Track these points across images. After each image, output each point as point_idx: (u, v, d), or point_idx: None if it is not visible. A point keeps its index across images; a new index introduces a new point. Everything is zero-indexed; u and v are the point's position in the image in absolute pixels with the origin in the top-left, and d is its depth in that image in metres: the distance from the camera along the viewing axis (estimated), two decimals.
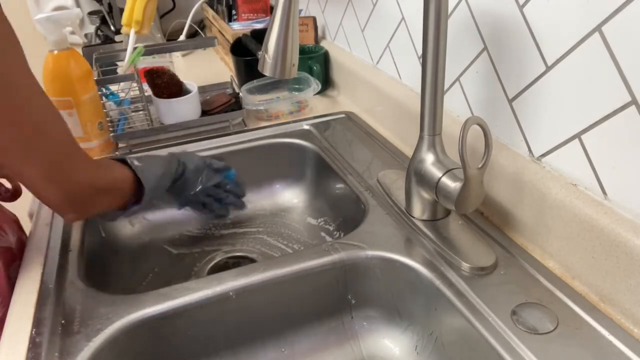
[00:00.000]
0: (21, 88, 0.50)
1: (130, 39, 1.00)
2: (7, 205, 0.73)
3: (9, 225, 0.69)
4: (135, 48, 0.96)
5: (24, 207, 0.78)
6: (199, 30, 1.61)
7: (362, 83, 0.98)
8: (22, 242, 0.70)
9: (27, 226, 0.74)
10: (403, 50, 0.84)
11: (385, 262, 0.61)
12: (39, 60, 0.87)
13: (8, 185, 0.73)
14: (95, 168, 0.60)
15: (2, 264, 0.63)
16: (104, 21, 1.53)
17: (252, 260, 0.81)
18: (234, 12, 1.43)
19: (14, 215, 0.74)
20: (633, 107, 0.46)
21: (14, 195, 0.74)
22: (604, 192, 0.52)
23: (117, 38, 1.43)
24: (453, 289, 0.55)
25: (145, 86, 0.95)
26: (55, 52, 0.82)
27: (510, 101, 0.61)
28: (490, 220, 0.66)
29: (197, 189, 0.74)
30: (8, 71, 0.49)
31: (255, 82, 1.05)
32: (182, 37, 1.51)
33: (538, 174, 0.57)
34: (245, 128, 0.97)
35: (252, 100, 1.00)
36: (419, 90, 0.60)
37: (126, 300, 0.56)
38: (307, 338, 0.64)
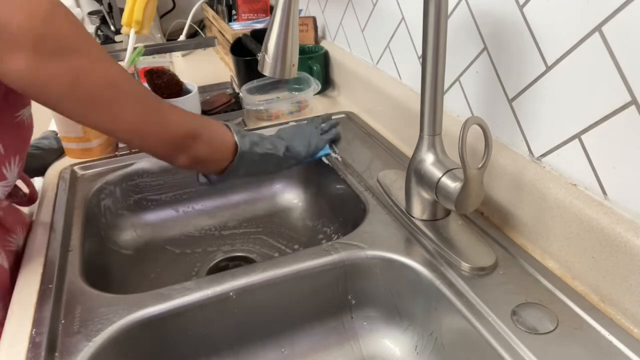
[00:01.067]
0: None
1: (130, 39, 1.00)
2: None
3: (22, 227, 0.70)
4: (135, 48, 0.96)
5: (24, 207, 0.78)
6: (199, 30, 1.61)
7: (362, 83, 0.98)
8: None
9: None
10: (403, 50, 0.84)
11: (385, 262, 0.61)
12: None
13: (25, 189, 0.73)
14: (187, 118, 0.62)
15: (8, 266, 0.63)
16: (104, 21, 1.53)
17: (252, 261, 0.81)
18: (234, 12, 1.43)
19: (28, 218, 0.74)
20: (633, 107, 0.46)
21: (30, 200, 0.73)
22: (604, 192, 0.52)
23: (117, 38, 1.43)
24: (453, 289, 0.55)
25: (145, 86, 0.95)
26: None
27: (510, 101, 0.61)
28: (490, 220, 0.66)
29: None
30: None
31: (255, 82, 1.05)
32: (182, 37, 1.51)
33: (538, 174, 0.57)
34: (245, 128, 0.97)
35: (252, 100, 1.00)
36: (419, 90, 0.60)
37: (126, 300, 0.56)
38: (307, 338, 0.64)
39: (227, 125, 0.69)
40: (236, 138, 0.67)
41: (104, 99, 0.53)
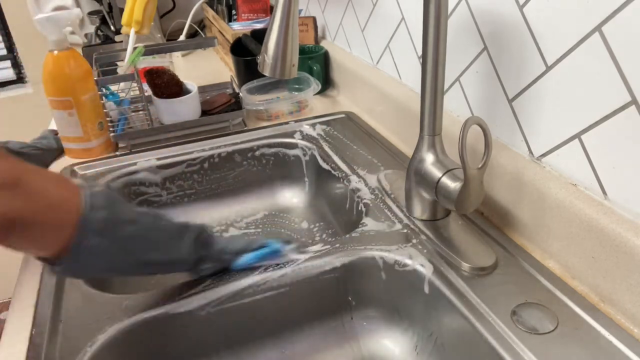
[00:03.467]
0: None
1: (130, 39, 1.00)
2: None
3: None
4: (135, 48, 0.96)
5: None
6: (199, 30, 1.61)
7: (362, 83, 0.98)
8: None
9: None
10: (403, 50, 0.84)
11: (385, 262, 0.61)
12: (39, 60, 0.87)
13: None
14: (2, 159, 0.41)
15: None
16: (104, 21, 1.53)
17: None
18: (234, 12, 1.43)
19: None
20: (633, 107, 0.46)
21: None
22: (604, 192, 0.52)
23: (117, 38, 1.43)
24: (453, 289, 0.55)
25: (145, 86, 0.95)
26: (55, 52, 0.82)
27: (510, 101, 0.61)
28: (490, 220, 0.66)
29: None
30: None
31: (255, 82, 1.05)
32: (182, 37, 1.51)
33: (538, 174, 0.57)
34: (245, 128, 0.97)
35: (252, 100, 1.00)
36: (419, 90, 0.60)
37: (126, 300, 0.56)
38: (307, 338, 0.64)
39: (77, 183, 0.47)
40: (83, 196, 0.45)
41: None
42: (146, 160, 0.86)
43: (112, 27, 1.49)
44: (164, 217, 0.53)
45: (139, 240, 0.49)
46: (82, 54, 0.96)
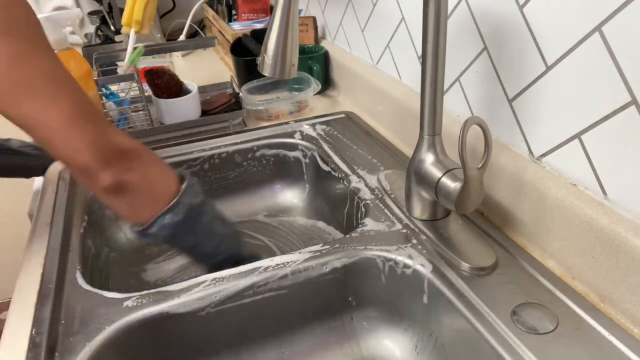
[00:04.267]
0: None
1: (130, 39, 1.00)
2: (3, 201, 0.73)
3: None
4: (135, 48, 0.96)
5: (24, 207, 0.78)
6: (199, 30, 1.61)
7: (362, 83, 0.98)
8: None
9: (27, 226, 0.74)
10: (403, 50, 0.84)
11: (385, 262, 0.61)
12: None
13: None
14: (125, 134, 0.53)
15: None
16: (104, 21, 1.53)
17: (252, 261, 0.81)
18: (234, 12, 1.43)
19: None
20: (633, 107, 0.46)
21: None
22: (604, 192, 0.52)
23: (117, 38, 1.43)
24: (453, 288, 0.55)
25: (145, 86, 0.95)
26: (55, 52, 0.82)
27: (510, 101, 0.61)
28: (490, 220, 0.66)
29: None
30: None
31: (255, 82, 1.05)
32: (182, 37, 1.51)
33: (538, 174, 0.57)
34: (245, 128, 0.97)
35: (252, 100, 1.00)
36: (419, 90, 0.60)
37: (126, 300, 0.56)
38: (307, 338, 0.64)
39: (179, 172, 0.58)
40: (180, 184, 0.57)
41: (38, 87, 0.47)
42: None
43: (112, 27, 1.49)
44: (225, 218, 0.64)
45: (204, 231, 0.60)
46: (82, 54, 0.96)
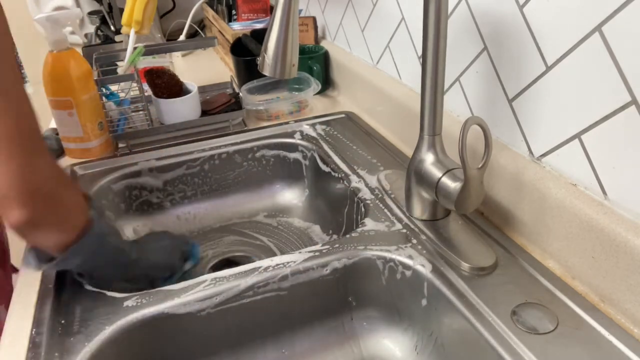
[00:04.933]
0: None
1: (130, 39, 1.00)
2: None
3: None
4: (135, 48, 0.96)
5: None
6: (199, 30, 1.61)
7: (362, 83, 0.98)
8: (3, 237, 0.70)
9: None
10: (403, 50, 0.84)
11: (385, 262, 0.61)
12: (39, 60, 0.87)
13: None
14: (58, 165, 0.53)
15: None
16: (104, 21, 1.53)
17: (252, 261, 0.81)
18: (234, 12, 1.43)
19: None
20: (633, 107, 0.46)
21: None
22: (604, 192, 0.51)
23: (117, 38, 1.43)
24: (453, 289, 0.55)
25: (145, 86, 0.95)
26: (55, 52, 0.82)
27: (510, 101, 0.61)
28: (490, 220, 0.66)
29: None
30: None
31: (255, 82, 1.05)
32: (182, 37, 1.51)
33: (538, 174, 0.57)
34: (245, 128, 0.97)
35: (252, 100, 1.00)
36: (419, 90, 0.60)
37: (126, 300, 0.56)
38: (307, 338, 0.64)
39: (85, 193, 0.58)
40: (91, 215, 0.56)
41: None
42: (146, 160, 0.86)
43: (112, 27, 1.48)
44: (124, 254, 0.62)
45: (100, 265, 0.60)
46: (82, 54, 0.96)
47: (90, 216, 0.56)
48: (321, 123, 0.96)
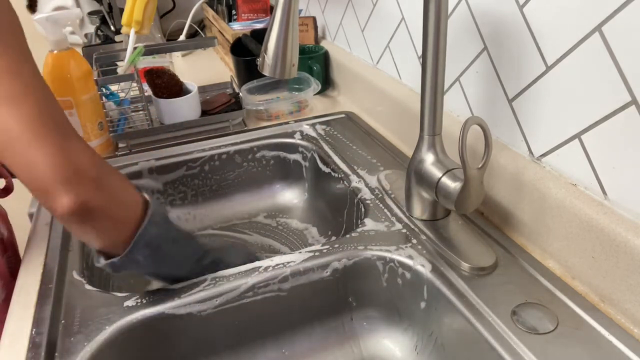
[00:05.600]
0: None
1: (130, 39, 1.00)
2: (3, 201, 0.74)
3: (1, 218, 0.70)
4: (135, 48, 0.96)
5: (24, 207, 0.78)
6: (199, 30, 1.61)
7: (362, 83, 0.98)
8: (10, 235, 0.71)
9: (27, 226, 0.74)
10: (403, 50, 0.84)
11: (385, 262, 0.61)
12: (39, 60, 0.87)
13: (1, 181, 0.74)
14: (95, 150, 0.49)
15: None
16: (104, 21, 1.53)
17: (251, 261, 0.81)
18: (234, 12, 1.43)
19: (3, 210, 0.75)
20: (633, 107, 0.46)
21: (6, 191, 0.74)
22: (604, 192, 0.51)
23: (117, 38, 1.43)
24: (453, 289, 0.55)
25: (145, 86, 0.95)
26: (55, 52, 0.82)
27: (510, 101, 0.61)
28: (490, 220, 0.66)
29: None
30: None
31: (255, 82, 1.05)
32: (182, 37, 1.51)
33: (538, 174, 0.57)
34: (245, 128, 0.97)
35: (252, 100, 1.00)
36: (419, 90, 0.60)
37: (126, 300, 0.56)
38: (307, 338, 0.64)
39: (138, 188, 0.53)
40: (146, 196, 0.52)
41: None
42: (146, 160, 0.86)
43: (112, 27, 1.48)
44: (194, 239, 0.59)
45: (170, 258, 0.56)
46: (82, 54, 0.96)
47: (146, 200, 0.51)
48: (321, 123, 0.96)
